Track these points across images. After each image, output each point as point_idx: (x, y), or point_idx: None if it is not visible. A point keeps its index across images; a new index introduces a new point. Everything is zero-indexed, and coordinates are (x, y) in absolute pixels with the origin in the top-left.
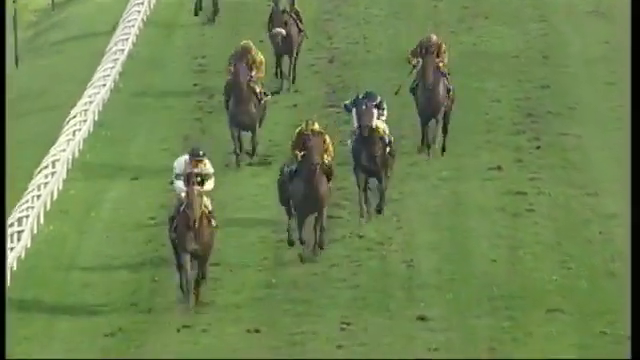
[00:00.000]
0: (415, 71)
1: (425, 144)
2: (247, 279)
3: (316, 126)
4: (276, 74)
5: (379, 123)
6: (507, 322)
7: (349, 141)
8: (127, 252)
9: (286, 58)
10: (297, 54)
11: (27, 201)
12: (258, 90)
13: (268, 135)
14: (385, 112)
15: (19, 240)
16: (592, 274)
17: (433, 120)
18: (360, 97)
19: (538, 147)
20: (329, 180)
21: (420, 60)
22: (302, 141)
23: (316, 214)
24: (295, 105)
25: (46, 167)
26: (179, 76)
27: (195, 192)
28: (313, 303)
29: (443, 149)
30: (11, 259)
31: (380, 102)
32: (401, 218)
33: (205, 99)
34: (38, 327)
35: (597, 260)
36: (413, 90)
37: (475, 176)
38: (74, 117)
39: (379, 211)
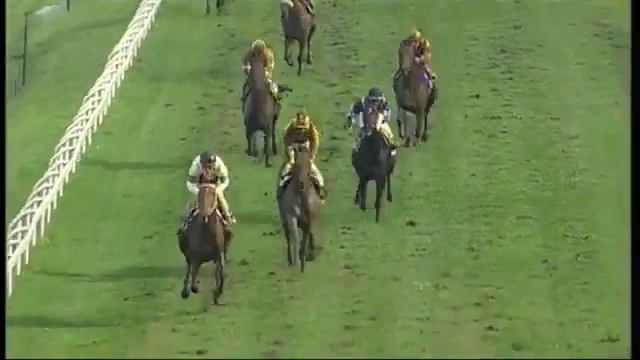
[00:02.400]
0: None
1: (405, 136)
2: (262, 193)
3: (307, 120)
4: (285, 58)
5: (384, 126)
6: (484, 227)
7: (354, 145)
8: (162, 167)
9: (296, 43)
10: (309, 39)
11: (77, 124)
12: (275, 90)
13: (280, 69)
14: (389, 112)
15: (70, 157)
16: (556, 186)
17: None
18: (364, 100)
19: (511, 78)
20: (319, 193)
21: (403, 55)
22: (292, 137)
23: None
24: None
25: (93, 95)
26: (205, 19)
27: (206, 189)
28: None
29: (424, 137)
30: (63, 173)
31: (384, 102)
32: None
33: (227, 37)
34: (86, 231)
35: (560, 174)
36: (395, 84)
37: (457, 103)
38: (117, 53)
39: (377, 215)
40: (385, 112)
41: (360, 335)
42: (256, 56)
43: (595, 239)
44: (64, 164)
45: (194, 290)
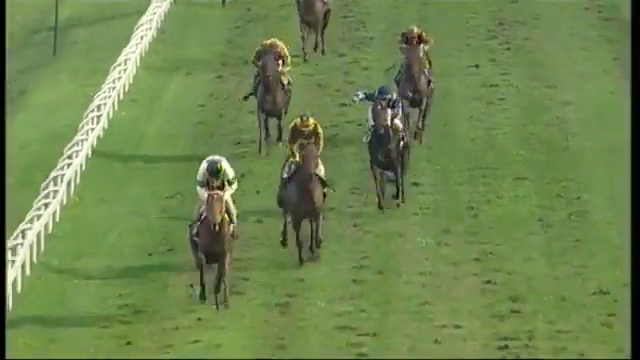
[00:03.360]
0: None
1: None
2: (278, 156)
3: (311, 121)
4: (302, 39)
5: (396, 121)
6: (483, 187)
7: (364, 138)
8: (184, 131)
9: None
10: (324, 26)
11: (105, 92)
12: (285, 81)
13: (288, 37)
14: (400, 110)
15: (98, 123)
16: (550, 149)
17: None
18: (376, 93)
19: (508, 49)
20: (324, 186)
21: (405, 47)
22: (297, 136)
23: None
24: None
25: (119, 65)
26: None
27: (214, 197)
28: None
29: (422, 128)
30: (92, 138)
31: (395, 100)
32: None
33: (244, 11)
34: (112, 191)
35: (554, 138)
36: (397, 81)
37: (458, 72)
38: (141, 25)
39: (397, 199)
40: (395, 109)
41: (367, 288)
42: (267, 50)
43: (587, 199)
44: (92, 129)
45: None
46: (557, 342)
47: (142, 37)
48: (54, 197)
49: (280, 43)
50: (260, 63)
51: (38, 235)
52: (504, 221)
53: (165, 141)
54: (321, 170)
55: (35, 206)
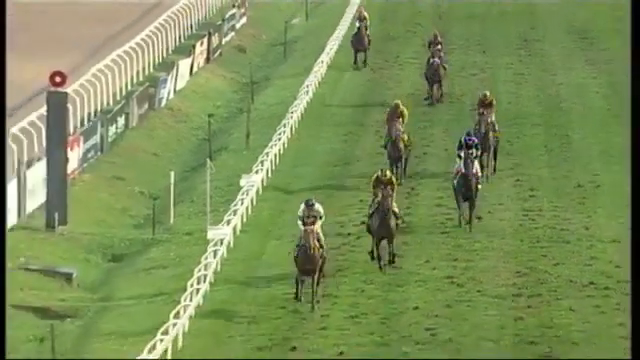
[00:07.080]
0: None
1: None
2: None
3: (388, 173)
4: (429, 97)
5: (476, 165)
6: (514, 129)
7: (455, 180)
8: (352, 99)
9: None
10: (442, 82)
11: (310, 79)
12: (406, 138)
13: (410, 46)
14: (479, 151)
15: (307, 94)
16: (552, 108)
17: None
18: (463, 140)
19: (529, 55)
20: (397, 219)
21: (480, 113)
22: (378, 184)
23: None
24: None
25: (318, 64)
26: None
27: (309, 230)
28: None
29: (494, 169)
30: (303, 102)
31: (476, 142)
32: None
33: (386, 33)
34: (314, 130)
35: (556, 101)
36: (475, 133)
37: (501, 67)
38: (331, 41)
39: (475, 218)
40: (476, 151)
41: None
42: (394, 112)
43: (571, 135)
44: (304, 98)
45: (299, 298)
46: (555, 212)
47: (330, 49)
48: (283, 134)
49: (401, 105)
50: (388, 125)
51: (275, 155)
52: (526, 147)
53: (343, 104)
54: (395, 206)
55: (273, 140)
